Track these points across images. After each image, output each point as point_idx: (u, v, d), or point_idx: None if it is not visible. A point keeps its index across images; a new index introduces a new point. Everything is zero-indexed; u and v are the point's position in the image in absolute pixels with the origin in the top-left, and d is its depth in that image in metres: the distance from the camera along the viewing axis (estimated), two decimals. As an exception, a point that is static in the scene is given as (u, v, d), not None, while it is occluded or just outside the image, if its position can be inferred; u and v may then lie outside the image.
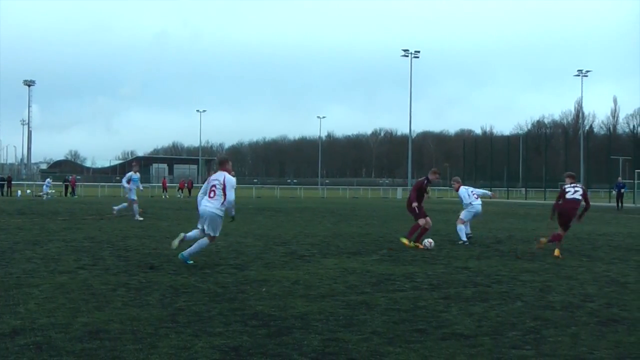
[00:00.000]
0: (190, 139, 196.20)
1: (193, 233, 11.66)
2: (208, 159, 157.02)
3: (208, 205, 11.45)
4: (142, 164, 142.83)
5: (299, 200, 54.95)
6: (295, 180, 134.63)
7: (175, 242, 11.55)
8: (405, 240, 15.25)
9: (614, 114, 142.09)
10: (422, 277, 10.55)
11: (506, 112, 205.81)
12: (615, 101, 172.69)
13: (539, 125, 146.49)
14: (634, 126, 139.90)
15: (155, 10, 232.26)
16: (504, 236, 18.74)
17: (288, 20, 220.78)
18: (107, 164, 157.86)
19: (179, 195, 63.02)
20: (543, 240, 14.97)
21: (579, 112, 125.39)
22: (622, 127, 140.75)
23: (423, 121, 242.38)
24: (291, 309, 7.78)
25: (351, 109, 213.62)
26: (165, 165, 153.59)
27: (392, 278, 10.41)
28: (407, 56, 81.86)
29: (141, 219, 23.60)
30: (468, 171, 79.12)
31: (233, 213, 12.10)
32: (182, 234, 11.63)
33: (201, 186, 12.64)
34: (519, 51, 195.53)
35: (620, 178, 46.62)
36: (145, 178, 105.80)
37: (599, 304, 8.54)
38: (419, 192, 15.66)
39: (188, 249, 11.59)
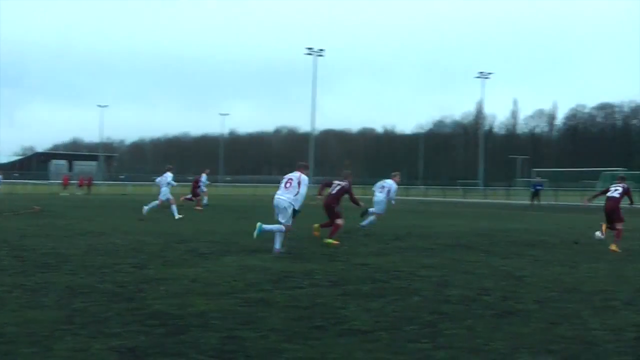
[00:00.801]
0: (91, 135, 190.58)
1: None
2: (109, 155, 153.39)
3: (282, 196, 13.39)
4: (42, 159, 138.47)
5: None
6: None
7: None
8: (330, 241, 15.62)
9: (514, 115, 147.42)
10: (321, 274, 10.61)
11: (408, 112, 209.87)
12: (515, 103, 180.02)
13: (439, 124, 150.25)
14: (532, 127, 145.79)
15: (60, 3, 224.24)
16: (403, 233, 19.08)
17: (192, 17, 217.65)
18: (5, 160, 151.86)
19: (78, 193, 61.42)
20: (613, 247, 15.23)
21: (479, 113, 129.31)
22: (522, 128, 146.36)
23: (326, 119, 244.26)
24: (190, 307, 7.72)
25: (254, 107, 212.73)
26: (64, 162, 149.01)
27: (292, 275, 10.43)
28: (311, 54, 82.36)
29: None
30: (369, 169, 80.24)
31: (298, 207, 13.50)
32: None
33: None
34: (421, 52, 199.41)
35: (538, 177, 48.39)
36: (44, 175, 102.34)
37: (495, 297, 8.81)
38: (341, 195, 16.65)
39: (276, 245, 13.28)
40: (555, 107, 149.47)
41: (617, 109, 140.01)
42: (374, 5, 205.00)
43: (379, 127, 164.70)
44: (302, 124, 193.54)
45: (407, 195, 67.49)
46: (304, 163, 14.67)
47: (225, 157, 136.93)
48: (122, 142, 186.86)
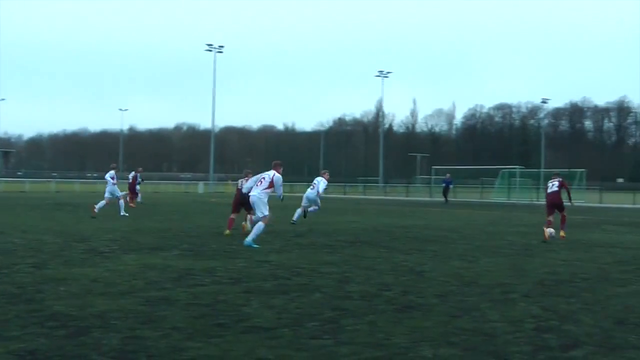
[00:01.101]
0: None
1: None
2: (6, 150, 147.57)
3: (254, 192, 14.92)
4: None
5: (99, 195, 52.65)
6: (95, 175, 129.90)
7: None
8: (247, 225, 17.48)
9: (413, 114, 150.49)
10: (223, 272, 10.52)
11: (308, 109, 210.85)
12: (414, 102, 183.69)
13: (340, 122, 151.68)
14: (431, 126, 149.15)
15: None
16: (304, 230, 19.11)
17: (91, 10, 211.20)
18: None
19: None
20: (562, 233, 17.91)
21: (379, 111, 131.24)
22: (421, 126, 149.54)
23: (227, 116, 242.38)
24: (90, 307, 7.52)
25: (154, 103, 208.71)
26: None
27: (193, 273, 10.31)
28: (211, 51, 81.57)
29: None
30: (270, 166, 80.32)
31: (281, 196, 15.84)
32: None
33: None
34: (322, 50, 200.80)
35: (448, 175, 49.52)
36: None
37: (396, 292, 8.91)
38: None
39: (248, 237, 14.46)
40: (454, 106, 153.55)
41: (514, 109, 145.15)
42: (275, 3, 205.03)
43: (279, 125, 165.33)
44: (203, 120, 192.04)
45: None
46: (278, 162, 15.96)
47: (125, 154, 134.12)
48: (19, 137, 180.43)
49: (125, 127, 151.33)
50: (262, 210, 14.69)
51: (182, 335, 6.30)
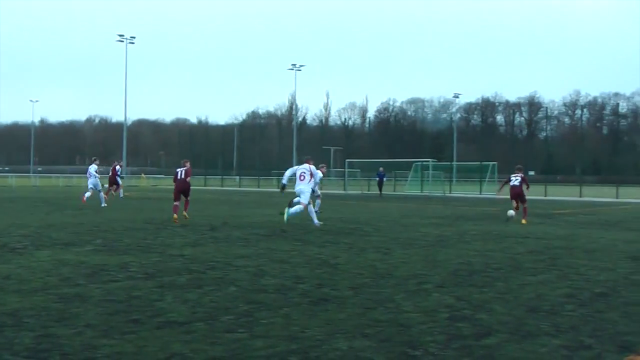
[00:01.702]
0: None
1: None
2: None
3: (299, 186, 18.69)
4: None
5: (10, 189, 51.39)
6: (7, 168, 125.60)
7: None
8: (185, 214, 20.31)
9: (326, 107, 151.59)
10: (137, 267, 10.36)
11: (222, 103, 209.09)
12: (327, 95, 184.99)
13: (253, 116, 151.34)
14: (345, 119, 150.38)
15: None
16: (218, 223, 18.99)
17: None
18: None
19: None
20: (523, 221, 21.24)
21: (292, 105, 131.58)
22: (334, 119, 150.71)
23: (139, 108, 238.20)
24: (2, 306, 7.31)
25: (66, 94, 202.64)
26: None
27: (107, 268, 10.14)
28: (123, 41, 79.94)
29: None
30: (183, 159, 79.40)
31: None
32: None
33: None
34: (235, 43, 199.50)
35: (382, 168, 49.95)
36: None
37: (310, 284, 8.92)
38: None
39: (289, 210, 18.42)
40: (366, 100, 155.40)
41: (427, 104, 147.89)
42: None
43: (193, 118, 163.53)
44: (115, 113, 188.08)
45: (222, 186, 67.46)
46: (309, 156, 19.65)
47: (37, 146, 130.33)
48: None
49: (36, 119, 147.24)
50: (305, 199, 18.52)
51: (96, 333, 6.19)
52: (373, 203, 35.42)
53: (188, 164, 21.04)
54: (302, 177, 18.74)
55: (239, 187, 68.48)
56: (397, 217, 23.21)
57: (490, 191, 53.55)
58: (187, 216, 20.27)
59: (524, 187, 22.19)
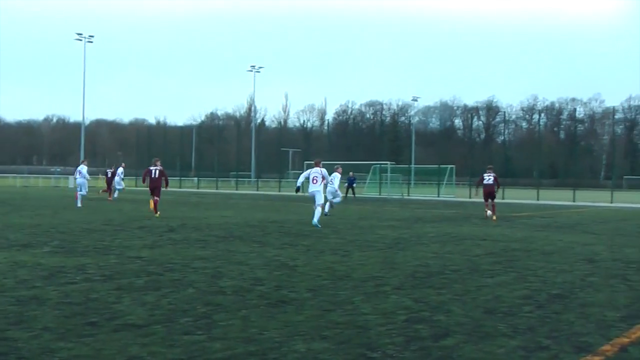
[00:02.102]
0: None
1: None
2: None
3: (314, 189, 20.11)
4: None
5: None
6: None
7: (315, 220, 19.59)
8: (157, 215, 22.33)
9: (285, 109, 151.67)
10: (95, 269, 10.25)
11: (180, 104, 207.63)
12: (286, 97, 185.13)
13: (212, 117, 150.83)
14: (303, 121, 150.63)
15: None
16: (176, 225, 18.87)
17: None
18: None
19: None
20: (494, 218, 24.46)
21: (251, 106, 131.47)
22: (293, 121, 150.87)
23: (97, 108, 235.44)
24: None
25: (23, 93, 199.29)
26: None
27: (64, 270, 10.03)
28: (81, 40, 78.96)
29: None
30: (140, 160, 78.57)
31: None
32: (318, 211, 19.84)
33: None
34: (193, 44, 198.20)
35: (352, 173, 49.97)
36: None
37: (268, 287, 8.91)
38: (161, 177, 23.67)
39: (314, 219, 19.54)
40: (325, 102, 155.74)
41: (385, 106, 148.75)
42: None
43: (151, 119, 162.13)
44: (73, 112, 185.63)
45: (180, 187, 66.96)
46: (319, 159, 21.32)
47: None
48: None
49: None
50: (320, 200, 20.03)
51: (54, 336, 6.12)
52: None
53: (159, 163, 23.70)
54: (314, 181, 20.20)
55: (197, 188, 68.06)
56: (355, 220, 23.28)
57: (449, 194, 54.04)
58: (157, 214, 22.43)
59: (495, 186, 24.98)
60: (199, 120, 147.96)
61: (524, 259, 12.78)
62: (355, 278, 9.83)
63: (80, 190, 29.82)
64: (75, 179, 30.80)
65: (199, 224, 19.77)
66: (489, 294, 8.72)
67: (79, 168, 31.05)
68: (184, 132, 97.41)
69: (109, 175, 37.68)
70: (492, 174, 25.10)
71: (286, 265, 11.16)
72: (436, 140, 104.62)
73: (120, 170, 38.03)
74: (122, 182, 38.43)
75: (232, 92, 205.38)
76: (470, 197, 46.10)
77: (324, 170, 20.33)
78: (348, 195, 47.92)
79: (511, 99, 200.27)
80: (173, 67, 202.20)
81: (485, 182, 25.02)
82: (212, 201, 37.70)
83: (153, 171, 23.45)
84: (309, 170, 20.63)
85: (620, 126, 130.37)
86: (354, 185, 49.09)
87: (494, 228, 20.42)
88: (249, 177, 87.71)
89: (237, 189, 65.44)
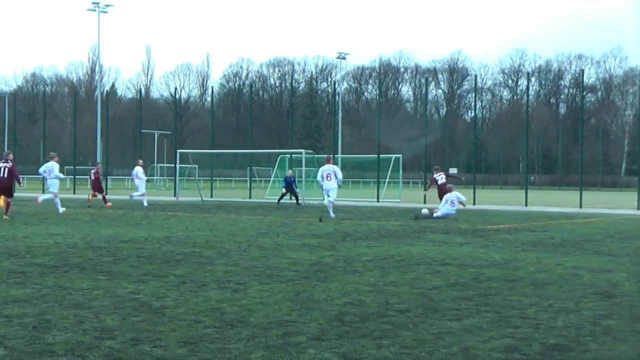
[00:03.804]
0: None
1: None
2: None
3: (329, 185, 33.43)
4: None
5: None
6: None
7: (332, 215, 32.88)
8: (6, 217, 27.99)
9: (147, 70, 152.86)
10: None
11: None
12: (148, 52, 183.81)
13: (33, 80, 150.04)
14: (175, 88, 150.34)
15: None
16: (-22, 249, 18.58)
17: None
18: None
19: None
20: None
21: (94, 65, 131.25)
22: (159, 89, 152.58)
23: None
24: None
25: None
26: None
27: None
28: None
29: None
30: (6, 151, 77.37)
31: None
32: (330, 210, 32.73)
33: None
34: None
35: (290, 171, 50.04)
36: None
37: (122, 340, 8.87)
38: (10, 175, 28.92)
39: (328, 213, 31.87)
40: (207, 61, 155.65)
41: (297, 67, 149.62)
42: None
43: None
44: None
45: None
46: (330, 155, 35.26)
47: None
48: None
49: None
50: (333, 195, 33.32)
51: None
52: (215, 215, 35.35)
53: (11, 157, 27.78)
54: (328, 178, 32.85)
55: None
56: (253, 236, 23.28)
57: (393, 197, 54.45)
58: (7, 219, 27.04)
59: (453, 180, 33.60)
60: (13, 85, 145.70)
61: (505, 292, 12.97)
62: (253, 324, 9.82)
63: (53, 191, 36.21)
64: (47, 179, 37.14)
65: (14, 246, 19.45)
66: (453, 346, 8.80)
67: (50, 166, 36.58)
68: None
69: (93, 176, 44.68)
70: (442, 173, 34.13)
71: (149, 306, 11.08)
72: (373, 117, 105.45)
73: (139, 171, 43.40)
74: None
75: (66, 43, 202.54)
76: (424, 202, 46.63)
77: (337, 168, 31.95)
78: (283, 200, 48.01)
79: (486, 56, 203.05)
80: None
81: (439, 182, 33.13)
82: (35, 211, 37.11)
83: (2, 169, 26.77)
84: (321, 169, 33.19)
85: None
86: (296, 187, 49.00)
87: (459, 247, 20.66)
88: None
89: (74, 192, 64.58)
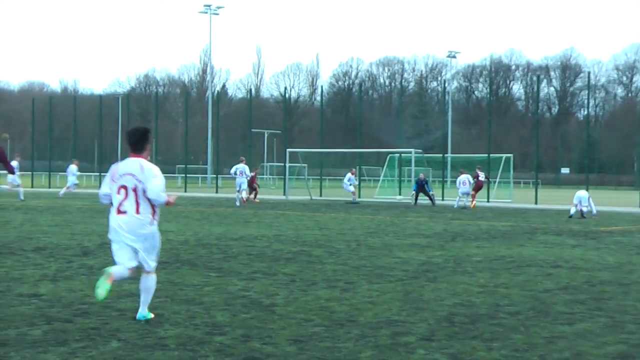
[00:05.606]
0: None
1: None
2: None
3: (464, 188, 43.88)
4: None
5: None
6: None
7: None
8: None
9: (257, 70, 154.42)
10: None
11: (98, 62, 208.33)
12: (258, 53, 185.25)
13: (146, 81, 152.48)
14: (285, 88, 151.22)
15: None
16: (92, 245, 18.89)
17: None
18: None
19: None
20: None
21: (206, 66, 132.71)
22: (269, 89, 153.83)
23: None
24: None
25: None
26: None
27: None
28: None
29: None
30: (38, 145, 78.60)
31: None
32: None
33: None
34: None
35: (422, 175, 50.56)
36: None
37: (232, 336, 8.94)
38: None
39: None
40: (317, 60, 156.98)
41: (407, 66, 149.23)
42: None
43: (53, 83, 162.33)
44: None
45: (99, 187, 66.87)
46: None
47: None
48: None
49: None
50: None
51: None
52: (324, 214, 35.43)
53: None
54: (464, 184, 41.25)
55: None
56: (363, 235, 23.26)
57: (504, 197, 53.86)
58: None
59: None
60: (126, 87, 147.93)
61: (618, 296, 12.76)
62: (362, 323, 9.82)
63: (16, 184, 37.64)
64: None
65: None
66: (565, 351, 8.69)
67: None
68: (105, 102, 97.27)
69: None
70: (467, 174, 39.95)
71: (259, 304, 11.15)
72: (484, 116, 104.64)
73: (15, 163, 39.98)
74: (18, 179, 41.14)
75: (178, 45, 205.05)
76: (536, 203, 46.07)
77: (469, 176, 38.26)
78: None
79: (599, 52, 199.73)
80: (83, 6, 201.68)
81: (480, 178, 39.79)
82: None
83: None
84: (458, 178, 41.65)
85: None
86: (429, 189, 47.76)
87: (571, 249, 20.38)
88: (204, 172, 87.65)
89: (185, 191, 65.36)
